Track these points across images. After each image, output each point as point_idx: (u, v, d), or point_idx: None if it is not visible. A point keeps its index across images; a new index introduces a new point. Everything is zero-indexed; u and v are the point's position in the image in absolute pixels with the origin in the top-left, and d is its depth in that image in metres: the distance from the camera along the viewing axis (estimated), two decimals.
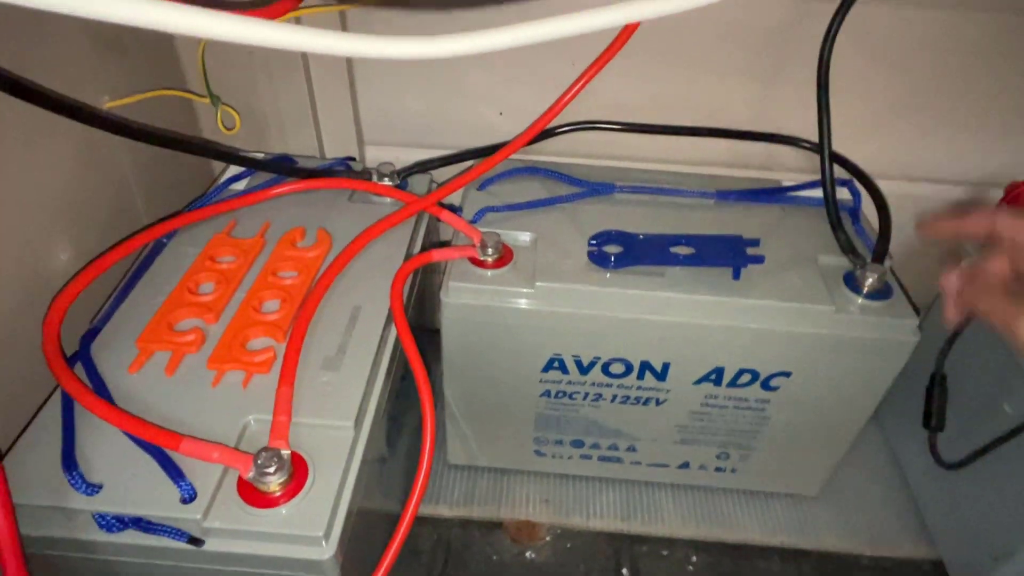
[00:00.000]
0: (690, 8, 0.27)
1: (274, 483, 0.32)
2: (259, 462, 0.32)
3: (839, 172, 0.56)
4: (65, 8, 0.18)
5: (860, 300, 0.46)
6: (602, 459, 0.58)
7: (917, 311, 0.46)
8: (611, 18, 0.26)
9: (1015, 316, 0.32)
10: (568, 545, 0.56)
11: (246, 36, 0.20)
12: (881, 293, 0.46)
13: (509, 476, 0.60)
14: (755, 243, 0.48)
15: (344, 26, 0.53)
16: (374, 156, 0.62)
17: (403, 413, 0.49)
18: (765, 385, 0.49)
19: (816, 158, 0.53)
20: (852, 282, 0.47)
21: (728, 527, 0.58)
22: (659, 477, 0.59)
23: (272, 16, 0.43)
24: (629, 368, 0.49)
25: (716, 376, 0.49)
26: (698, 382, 0.50)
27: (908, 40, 0.52)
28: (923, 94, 0.55)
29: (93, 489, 0.32)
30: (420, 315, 0.53)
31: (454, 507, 0.57)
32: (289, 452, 0.33)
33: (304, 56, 0.54)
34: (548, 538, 0.56)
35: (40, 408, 0.36)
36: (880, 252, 0.48)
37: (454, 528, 0.56)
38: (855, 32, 0.49)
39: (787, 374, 0.48)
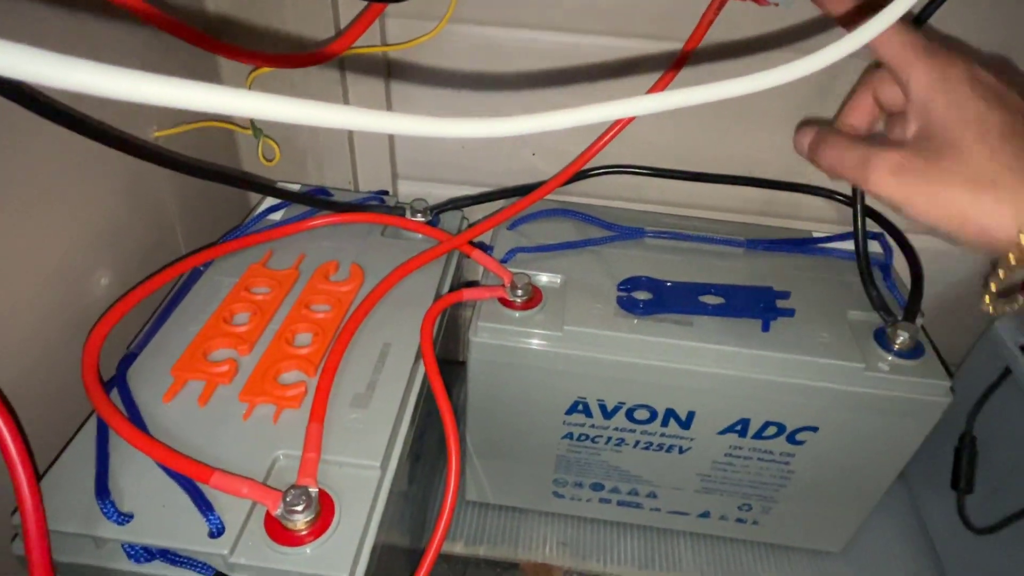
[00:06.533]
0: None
1: (301, 521, 0.32)
2: (287, 499, 0.32)
3: (870, 225, 0.56)
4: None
5: (891, 358, 0.46)
6: (621, 504, 0.57)
7: (949, 372, 0.45)
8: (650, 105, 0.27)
9: (863, 166, 0.30)
10: None
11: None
12: (912, 352, 0.46)
13: (526, 516, 0.59)
14: (785, 295, 0.48)
15: (388, 69, 0.54)
16: (406, 191, 0.63)
17: (422, 448, 0.49)
18: (791, 439, 0.49)
19: (846, 210, 0.54)
20: (883, 339, 0.46)
21: None
22: (678, 525, 0.58)
23: (319, 60, 0.44)
24: (654, 415, 0.49)
25: (741, 427, 0.49)
26: (723, 432, 0.49)
27: None
28: None
29: (124, 519, 0.32)
30: (445, 347, 0.53)
31: (469, 545, 0.57)
32: (317, 490, 0.34)
33: (344, 89, 0.56)
34: None
35: (76, 433, 0.37)
36: (912, 310, 0.47)
37: (470, 566, 0.56)
38: None
39: (814, 429, 0.48)
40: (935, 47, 0.31)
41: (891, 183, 0.29)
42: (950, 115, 0.29)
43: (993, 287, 0.31)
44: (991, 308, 0.32)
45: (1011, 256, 0.27)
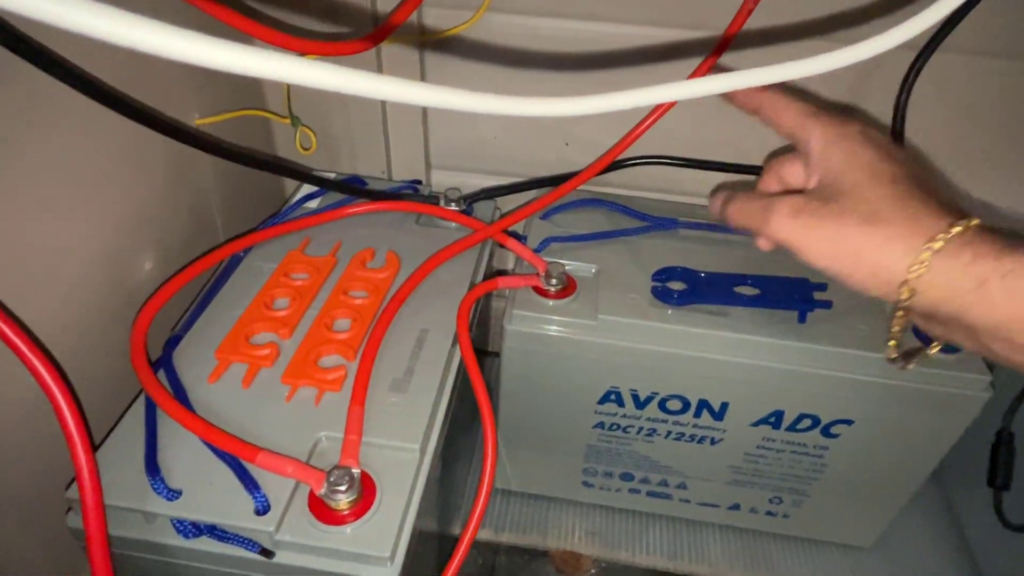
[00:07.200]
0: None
1: (344, 501, 0.33)
2: (331, 479, 0.33)
3: None
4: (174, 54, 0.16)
5: (930, 352, 0.45)
6: (651, 494, 0.57)
7: (990, 367, 0.45)
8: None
9: (765, 211, 0.32)
10: None
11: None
12: (952, 346, 0.45)
13: (555, 504, 0.60)
14: (822, 287, 0.47)
15: (423, 57, 0.55)
16: (438, 180, 0.64)
17: (454, 433, 0.49)
18: (825, 432, 0.48)
19: None
20: (921, 332, 0.46)
21: (776, 574, 0.56)
22: (708, 517, 0.58)
23: (360, 49, 0.44)
24: (687, 405, 0.49)
25: (775, 419, 0.48)
26: (756, 424, 0.49)
27: (984, 90, 0.51)
28: (999, 144, 0.54)
29: (173, 495, 0.33)
30: (476, 337, 0.54)
31: (499, 532, 0.57)
32: (359, 471, 0.34)
33: None
34: (593, 571, 0.56)
35: (125, 411, 0.38)
36: None
37: (500, 554, 0.56)
38: (931, 80, 0.48)
39: (849, 422, 0.47)
40: (827, 111, 0.33)
41: (790, 224, 0.31)
42: (846, 164, 0.31)
43: (896, 328, 0.32)
44: (891, 356, 0.35)
45: (904, 292, 0.28)
